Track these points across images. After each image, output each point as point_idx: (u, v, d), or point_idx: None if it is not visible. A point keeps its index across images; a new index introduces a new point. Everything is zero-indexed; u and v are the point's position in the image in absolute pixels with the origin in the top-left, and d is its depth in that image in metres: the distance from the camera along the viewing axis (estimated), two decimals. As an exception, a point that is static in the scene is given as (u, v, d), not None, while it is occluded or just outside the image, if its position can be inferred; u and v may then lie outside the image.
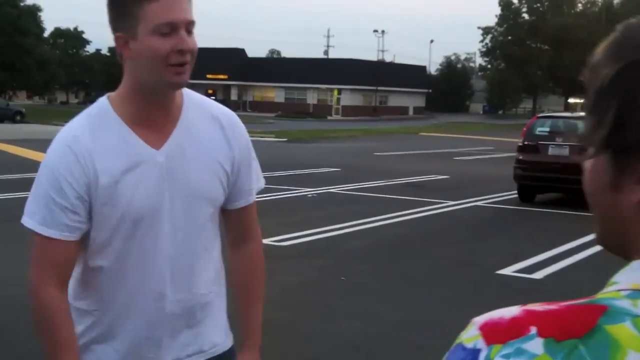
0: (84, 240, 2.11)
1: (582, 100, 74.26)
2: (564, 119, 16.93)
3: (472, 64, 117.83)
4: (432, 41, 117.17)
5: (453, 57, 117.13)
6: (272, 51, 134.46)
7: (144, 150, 2.08)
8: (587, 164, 0.89)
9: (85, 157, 2.04)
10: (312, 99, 79.75)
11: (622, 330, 0.78)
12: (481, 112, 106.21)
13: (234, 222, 2.33)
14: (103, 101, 2.13)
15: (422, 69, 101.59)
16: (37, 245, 2.07)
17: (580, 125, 16.02)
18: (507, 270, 9.17)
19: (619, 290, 0.82)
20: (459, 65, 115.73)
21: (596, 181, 0.87)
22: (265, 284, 2.43)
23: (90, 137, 2.06)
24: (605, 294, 0.83)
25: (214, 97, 73.75)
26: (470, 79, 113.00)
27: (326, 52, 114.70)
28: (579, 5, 77.52)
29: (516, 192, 16.09)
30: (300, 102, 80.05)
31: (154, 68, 1.99)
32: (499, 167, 23.65)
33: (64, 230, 2.05)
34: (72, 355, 2.08)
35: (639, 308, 0.79)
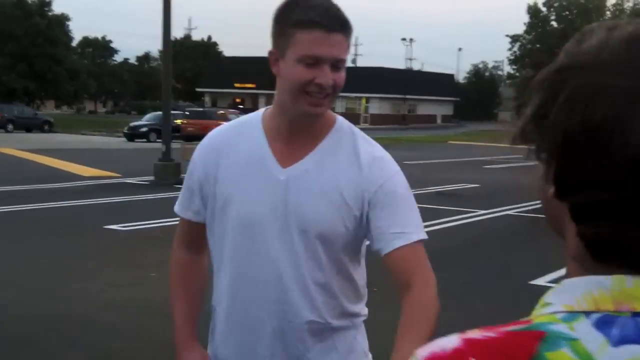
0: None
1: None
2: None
3: (500, 72, 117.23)
4: (460, 49, 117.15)
5: (481, 65, 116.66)
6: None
7: (271, 164, 2.13)
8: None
9: (214, 153, 2.20)
10: (341, 107, 79.79)
11: (561, 356, 0.78)
12: (510, 121, 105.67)
13: (391, 270, 2.13)
14: (259, 111, 2.26)
15: (450, 77, 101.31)
16: None
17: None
18: (541, 281, 9.05)
19: (553, 313, 0.82)
20: (487, 74, 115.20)
21: (538, 174, 0.90)
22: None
23: (227, 138, 2.21)
24: (541, 318, 0.82)
25: (241, 106, 74.40)
26: (499, 87, 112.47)
27: (354, 61, 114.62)
28: (608, 13, 76.91)
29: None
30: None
31: (292, 93, 2.04)
32: (529, 175, 23.35)
33: (187, 210, 2.30)
34: (179, 303, 2.39)
35: (575, 331, 0.79)
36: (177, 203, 2.35)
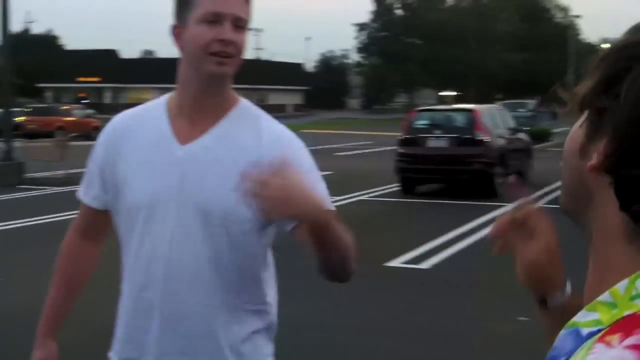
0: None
1: (454, 93, 75.99)
2: (442, 111, 17.38)
3: (347, 61, 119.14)
4: (308, 38, 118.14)
5: (329, 54, 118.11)
6: (146, 52, 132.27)
7: (169, 142, 2.11)
8: (570, 133, 0.94)
9: (117, 136, 2.19)
10: (189, 99, 78.84)
11: None
12: (359, 108, 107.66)
13: (300, 241, 2.02)
14: (165, 95, 2.24)
15: (299, 66, 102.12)
16: None
17: (456, 117, 16.44)
18: (396, 262, 9.27)
19: None
20: (335, 62, 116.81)
21: (570, 146, 0.92)
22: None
23: (130, 121, 2.21)
24: None
25: (86, 101, 72.25)
26: (347, 75, 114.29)
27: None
28: (449, 0, 79.65)
29: (398, 184, 16.33)
30: (178, 103, 78.86)
31: (196, 56, 2.04)
32: (379, 160, 23.96)
33: (87, 195, 2.27)
34: (54, 290, 2.34)
35: None
36: (80, 187, 2.32)
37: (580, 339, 0.80)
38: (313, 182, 2.02)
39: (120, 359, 2.23)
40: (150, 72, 79.85)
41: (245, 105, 2.19)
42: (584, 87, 0.88)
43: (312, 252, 1.98)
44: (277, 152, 1.98)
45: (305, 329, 6.65)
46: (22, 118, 36.93)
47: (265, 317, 2.20)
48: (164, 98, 2.22)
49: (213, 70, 2.05)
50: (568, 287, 1.22)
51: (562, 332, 0.84)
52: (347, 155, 28.36)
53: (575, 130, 0.91)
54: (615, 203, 0.84)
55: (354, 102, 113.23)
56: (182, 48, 2.10)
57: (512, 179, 1.40)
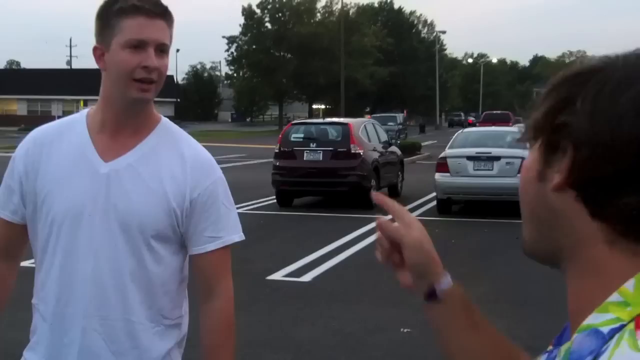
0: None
1: (324, 106, 76.42)
2: (317, 124, 17.56)
3: (217, 73, 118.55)
4: (178, 50, 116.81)
5: (199, 66, 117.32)
6: (11, 62, 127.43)
7: (92, 158, 2.14)
8: (524, 164, 0.99)
9: (36, 149, 2.18)
10: (57, 110, 76.38)
11: None
12: (230, 120, 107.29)
13: (196, 271, 2.23)
14: (83, 110, 2.27)
15: (170, 78, 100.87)
16: None
17: (331, 130, 16.69)
18: (277, 275, 9.33)
19: None
20: (206, 74, 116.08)
21: (526, 175, 0.96)
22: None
23: (50, 135, 2.21)
24: None
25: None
26: (218, 88, 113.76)
27: (69, 62, 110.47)
28: (318, 15, 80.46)
29: (274, 197, 16.41)
30: (45, 114, 76.20)
31: (120, 81, 2.08)
32: (254, 173, 24.00)
33: (5, 209, 2.23)
34: None
35: None
36: None
37: (602, 337, 0.84)
38: (229, 211, 2.24)
39: None
40: (16, 83, 77.18)
41: (165, 125, 2.25)
42: (537, 114, 0.95)
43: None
44: (201, 180, 2.17)
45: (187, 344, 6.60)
46: None
47: (181, 330, 2.30)
48: (83, 113, 2.25)
49: (136, 96, 2.10)
50: (449, 277, 1.26)
51: (578, 335, 0.88)
52: (221, 167, 28.13)
53: (527, 162, 0.97)
54: (585, 214, 0.90)
55: (225, 115, 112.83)
56: (104, 69, 2.14)
57: (377, 194, 1.50)
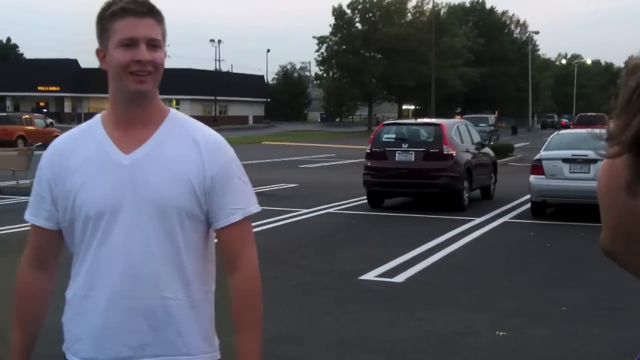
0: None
1: (413, 107, 75.70)
2: (409, 125, 17.47)
3: (307, 73, 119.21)
4: (268, 51, 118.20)
5: (289, 67, 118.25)
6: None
7: (113, 152, 2.30)
8: (604, 164, 0.90)
9: (59, 155, 2.34)
10: (150, 110, 78.51)
11: None
12: (319, 120, 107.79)
13: (222, 245, 2.38)
14: (98, 115, 2.43)
15: (260, 78, 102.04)
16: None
17: (423, 131, 16.60)
18: (369, 276, 9.32)
19: None
20: (295, 75, 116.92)
21: (612, 183, 0.88)
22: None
23: (70, 140, 2.38)
24: None
25: (45, 110, 71.43)
26: (307, 88, 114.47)
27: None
28: (409, 15, 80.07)
29: (365, 197, 16.42)
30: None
31: (118, 77, 2.26)
32: (343, 173, 24.08)
33: (39, 217, 2.37)
34: (16, 330, 2.42)
35: None
36: (27, 211, 2.42)
37: None
38: (245, 184, 2.39)
39: (81, 358, 2.35)
40: (103, 84, 79.24)
41: (175, 115, 2.41)
42: (628, 126, 0.85)
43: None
44: (216, 158, 2.32)
45: (278, 343, 6.68)
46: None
47: (211, 305, 2.44)
48: (98, 117, 2.42)
49: (133, 88, 2.26)
50: None
51: None
52: (311, 167, 28.41)
53: (611, 167, 0.89)
54: None
55: (315, 115, 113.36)
56: (107, 69, 2.32)
57: None
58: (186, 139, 2.32)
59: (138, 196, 2.25)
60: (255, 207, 2.40)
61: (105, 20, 2.27)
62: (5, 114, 45.55)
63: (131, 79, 2.24)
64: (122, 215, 2.25)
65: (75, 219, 2.30)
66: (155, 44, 2.26)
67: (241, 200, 2.35)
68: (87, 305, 2.31)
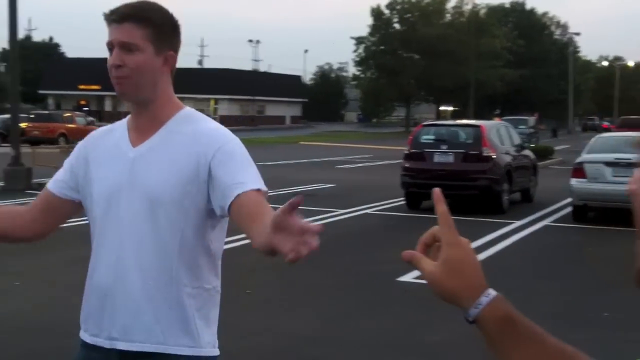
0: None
1: (451, 108, 75.74)
2: (448, 126, 17.37)
3: (344, 73, 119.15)
4: (306, 51, 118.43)
5: (326, 67, 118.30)
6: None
7: (124, 146, 2.45)
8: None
9: (89, 143, 2.55)
10: (189, 109, 79.06)
11: None
12: (356, 121, 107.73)
13: (237, 219, 2.25)
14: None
15: (298, 78, 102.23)
16: None
17: (462, 132, 16.48)
18: (408, 277, 9.27)
19: None
20: (333, 75, 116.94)
21: None
22: None
23: (100, 133, 2.58)
24: None
25: (87, 108, 72.23)
26: (344, 88, 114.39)
27: (201, 62, 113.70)
28: (448, 15, 79.70)
29: (402, 199, 16.35)
30: (176, 113, 78.84)
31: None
32: (380, 174, 24.02)
33: (52, 181, 2.57)
34: None
35: None
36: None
37: None
38: (249, 165, 2.35)
39: (90, 334, 2.46)
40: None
41: (186, 112, 2.49)
42: None
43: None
44: (215, 144, 2.34)
45: (315, 343, 6.66)
46: (24, 124, 36.88)
47: (201, 299, 2.42)
48: (128, 116, 2.56)
49: (116, 91, 2.40)
50: (488, 299, 1.22)
51: None
52: (348, 168, 28.38)
53: None
54: None
55: (352, 115, 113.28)
56: None
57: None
58: (188, 133, 2.40)
59: (134, 187, 2.37)
60: (257, 184, 2.27)
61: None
62: (47, 112, 46.12)
63: (114, 82, 2.38)
64: (119, 203, 2.38)
65: (86, 207, 2.50)
66: (131, 48, 2.33)
67: (245, 177, 2.28)
68: (89, 287, 2.47)
